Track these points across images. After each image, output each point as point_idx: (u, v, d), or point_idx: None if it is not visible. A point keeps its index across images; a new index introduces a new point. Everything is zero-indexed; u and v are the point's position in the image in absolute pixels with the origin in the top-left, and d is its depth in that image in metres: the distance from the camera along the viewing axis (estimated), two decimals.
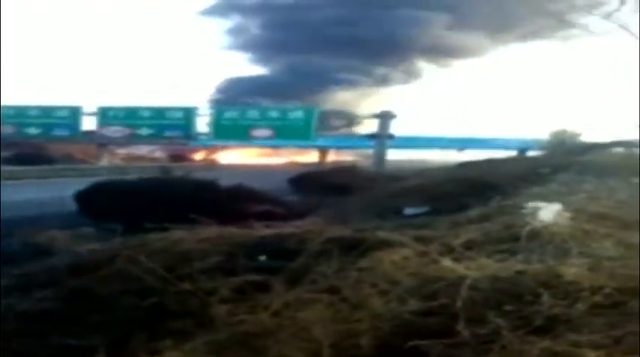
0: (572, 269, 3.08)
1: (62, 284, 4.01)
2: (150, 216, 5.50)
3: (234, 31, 59.86)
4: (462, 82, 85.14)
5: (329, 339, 2.66)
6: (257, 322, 2.96)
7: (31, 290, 3.99)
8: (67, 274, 4.23)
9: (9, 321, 3.49)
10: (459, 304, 2.70)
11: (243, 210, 8.08)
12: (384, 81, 56.52)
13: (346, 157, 40.34)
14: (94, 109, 31.44)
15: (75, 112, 31.54)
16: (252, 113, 30.60)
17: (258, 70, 60.87)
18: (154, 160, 36.41)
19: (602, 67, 37.93)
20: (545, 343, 2.38)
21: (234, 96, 49.08)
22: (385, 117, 29.10)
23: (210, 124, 30.77)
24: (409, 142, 31.76)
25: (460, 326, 2.54)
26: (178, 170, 19.74)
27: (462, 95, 79.03)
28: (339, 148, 40.12)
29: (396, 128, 29.15)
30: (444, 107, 64.75)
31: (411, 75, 58.22)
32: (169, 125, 30.97)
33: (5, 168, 20.63)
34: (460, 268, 3.21)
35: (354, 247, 3.97)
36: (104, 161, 31.71)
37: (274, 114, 30.24)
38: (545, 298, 2.72)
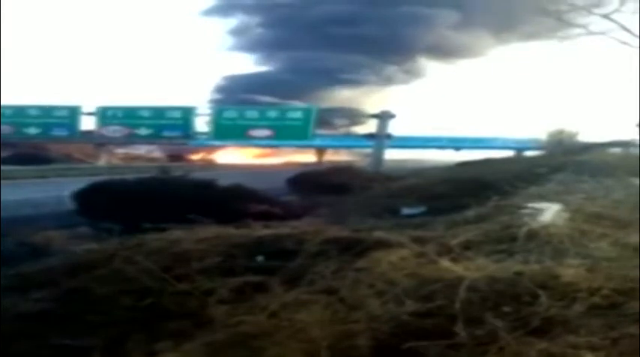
0: (570, 270, 3.09)
1: (59, 284, 3.98)
2: (148, 216, 5.47)
3: (236, 31, 59.31)
4: (462, 82, 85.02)
5: (326, 340, 2.65)
6: (255, 323, 2.95)
7: (28, 290, 3.97)
8: (63, 275, 4.19)
9: (5, 321, 3.47)
10: (456, 305, 2.70)
11: (241, 210, 8.06)
12: (387, 79, 55.98)
13: (344, 156, 40.31)
14: (93, 109, 31.36)
15: (74, 112, 31.43)
16: (251, 113, 30.60)
17: (260, 68, 60.23)
18: (153, 159, 36.31)
19: (602, 67, 38.00)
20: (543, 344, 2.38)
21: (235, 94, 49.05)
22: (384, 117, 29.08)
23: (209, 124, 30.76)
24: (407, 141, 31.73)
25: (458, 327, 2.54)
26: (177, 170, 19.70)
27: (461, 95, 79.04)
28: (337, 147, 40.11)
29: (394, 128, 29.17)
30: (445, 106, 64.65)
31: (415, 73, 57.59)
32: (168, 125, 30.92)
33: (4, 168, 20.53)
34: (458, 269, 3.21)
35: (352, 248, 3.97)
36: (103, 161, 31.64)
37: (273, 114, 30.26)
38: (543, 299, 2.72)
